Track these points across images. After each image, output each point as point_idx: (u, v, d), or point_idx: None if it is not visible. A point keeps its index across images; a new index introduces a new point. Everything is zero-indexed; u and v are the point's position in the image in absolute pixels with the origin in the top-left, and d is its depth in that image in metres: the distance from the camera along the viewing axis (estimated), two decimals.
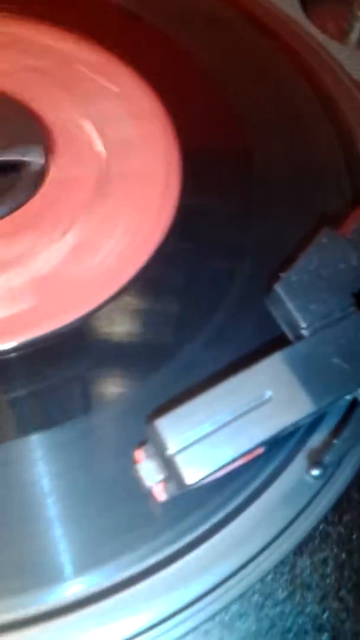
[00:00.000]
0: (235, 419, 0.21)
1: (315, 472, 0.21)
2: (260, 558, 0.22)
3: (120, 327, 0.26)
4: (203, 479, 0.20)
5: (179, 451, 0.20)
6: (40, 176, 0.30)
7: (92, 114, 0.33)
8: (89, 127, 0.32)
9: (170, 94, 0.33)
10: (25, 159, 0.31)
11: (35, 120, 0.33)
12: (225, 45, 0.36)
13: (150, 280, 0.26)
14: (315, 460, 0.21)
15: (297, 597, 0.25)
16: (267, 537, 0.22)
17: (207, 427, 0.21)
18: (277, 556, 0.22)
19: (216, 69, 0.35)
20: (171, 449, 0.20)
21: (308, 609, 0.25)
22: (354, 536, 0.25)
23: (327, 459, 0.21)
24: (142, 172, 0.30)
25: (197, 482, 0.20)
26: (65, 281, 0.27)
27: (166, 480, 0.21)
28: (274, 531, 0.22)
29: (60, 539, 0.22)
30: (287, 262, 0.24)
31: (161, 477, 0.21)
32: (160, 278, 0.27)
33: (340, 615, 0.25)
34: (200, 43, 0.36)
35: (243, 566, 0.22)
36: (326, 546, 0.25)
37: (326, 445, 0.22)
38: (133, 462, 0.22)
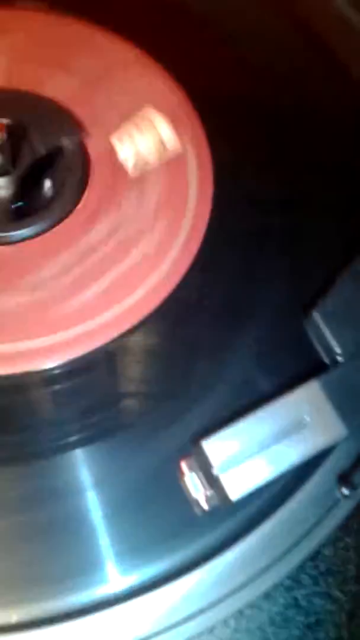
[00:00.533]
0: (275, 442, 0.23)
1: (346, 491, 0.23)
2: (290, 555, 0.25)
3: (158, 347, 0.28)
4: (244, 496, 0.23)
5: (224, 471, 0.22)
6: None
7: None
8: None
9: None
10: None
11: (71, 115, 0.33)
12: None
13: (187, 301, 0.28)
14: (345, 480, 0.23)
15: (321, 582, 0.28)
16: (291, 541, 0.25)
17: (249, 450, 0.23)
18: (305, 552, 0.25)
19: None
20: (216, 469, 0.22)
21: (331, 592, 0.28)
22: None
23: (357, 478, 0.23)
24: (174, 196, 0.31)
25: (239, 499, 0.22)
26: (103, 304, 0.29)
27: (210, 493, 0.23)
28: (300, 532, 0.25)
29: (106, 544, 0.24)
30: (324, 287, 0.26)
31: (207, 491, 0.23)
32: (198, 299, 0.28)
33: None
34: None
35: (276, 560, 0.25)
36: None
37: (357, 465, 0.24)
38: (180, 472, 0.24)
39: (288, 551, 0.25)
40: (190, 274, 0.28)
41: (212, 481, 0.23)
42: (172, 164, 0.32)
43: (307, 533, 0.25)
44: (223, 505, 0.23)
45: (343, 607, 0.28)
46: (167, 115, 0.33)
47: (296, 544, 0.25)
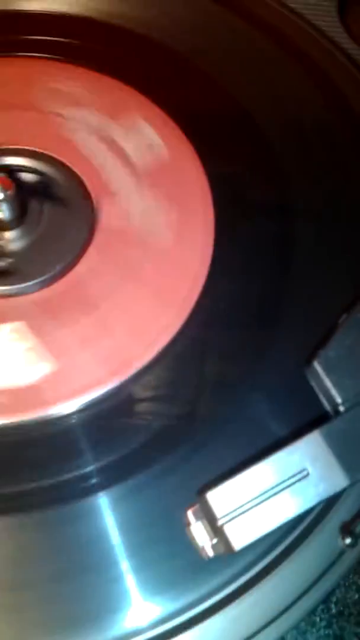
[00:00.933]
0: (277, 492, 0.23)
1: (348, 540, 0.24)
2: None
3: (163, 394, 0.29)
4: (247, 545, 0.23)
5: (227, 522, 0.23)
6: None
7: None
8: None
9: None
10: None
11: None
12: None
13: (186, 353, 0.29)
14: (347, 530, 0.24)
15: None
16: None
17: (252, 500, 0.23)
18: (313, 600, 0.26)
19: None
20: (220, 520, 0.23)
21: None
22: None
23: (359, 529, 0.24)
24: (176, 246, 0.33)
25: (242, 548, 0.23)
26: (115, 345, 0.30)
27: (215, 542, 0.24)
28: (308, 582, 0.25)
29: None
30: (326, 336, 0.26)
31: (211, 541, 0.24)
32: (199, 351, 0.29)
33: None
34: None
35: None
36: None
37: (358, 516, 0.24)
38: (186, 521, 0.25)
39: (298, 599, 0.26)
40: (191, 323, 0.29)
41: (216, 530, 0.24)
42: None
43: (316, 582, 0.25)
44: (227, 553, 0.24)
45: None
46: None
47: (304, 593, 0.25)
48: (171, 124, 0.37)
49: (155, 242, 0.33)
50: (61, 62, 0.39)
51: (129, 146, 0.37)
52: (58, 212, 0.34)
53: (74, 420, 0.29)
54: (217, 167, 0.35)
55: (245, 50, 0.41)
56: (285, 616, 0.25)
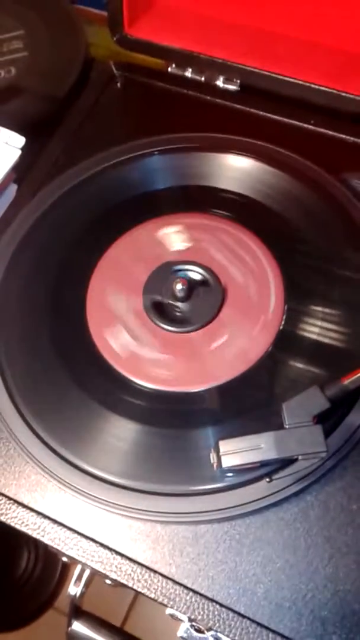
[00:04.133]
0: (246, 450, 0.56)
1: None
2: None
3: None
4: (230, 467, 0.56)
5: (223, 455, 0.56)
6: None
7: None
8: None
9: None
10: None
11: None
12: None
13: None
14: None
15: None
16: None
17: (235, 450, 0.56)
18: None
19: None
20: (221, 453, 0.56)
21: None
22: None
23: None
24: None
25: (228, 468, 0.56)
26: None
27: (218, 462, 0.57)
28: None
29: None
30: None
31: (216, 462, 0.57)
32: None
33: None
34: None
35: None
36: None
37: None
38: (210, 453, 0.58)
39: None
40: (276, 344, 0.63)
41: (219, 458, 0.57)
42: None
43: None
44: (219, 468, 0.57)
45: None
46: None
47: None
48: (260, 244, 0.70)
49: (253, 302, 0.67)
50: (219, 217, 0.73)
51: (241, 256, 0.70)
52: (206, 291, 0.69)
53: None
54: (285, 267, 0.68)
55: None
56: None
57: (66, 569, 1.42)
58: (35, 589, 1.36)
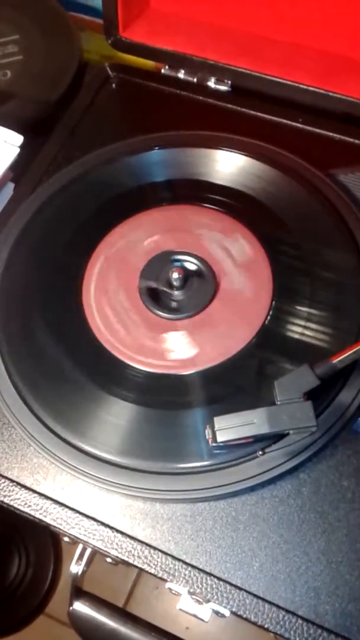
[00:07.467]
0: (239, 426, 0.58)
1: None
2: None
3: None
4: (225, 442, 0.58)
5: (218, 430, 0.58)
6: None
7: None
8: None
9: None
10: None
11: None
12: None
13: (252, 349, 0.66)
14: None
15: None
16: None
17: (228, 426, 0.58)
18: None
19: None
20: (216, 429, 0.59)
21: None
22: None
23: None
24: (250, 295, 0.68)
25: (223, 442, 0.58)
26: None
27: (213, 437, 0.59)
28: None
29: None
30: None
31: (212, 437, 0.59)
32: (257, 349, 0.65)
33: None
34: None
35: None
36: None
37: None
38: (204, 427, 0.61)
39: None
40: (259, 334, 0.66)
41: (214, 434, 0.59)
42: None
43: None
44: (214, 443, 0.59)
45: None
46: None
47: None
48: (253, 238, 0.73)
49: (244, 294, 0.69)
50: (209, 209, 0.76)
51: (233, 249, 0.73)
52: (199, 281, 0.72)
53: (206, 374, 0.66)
54: (276, 261, 0.70)
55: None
56: None
57: (57, 574, 1.41)
58: (26, 595, 1.36)
